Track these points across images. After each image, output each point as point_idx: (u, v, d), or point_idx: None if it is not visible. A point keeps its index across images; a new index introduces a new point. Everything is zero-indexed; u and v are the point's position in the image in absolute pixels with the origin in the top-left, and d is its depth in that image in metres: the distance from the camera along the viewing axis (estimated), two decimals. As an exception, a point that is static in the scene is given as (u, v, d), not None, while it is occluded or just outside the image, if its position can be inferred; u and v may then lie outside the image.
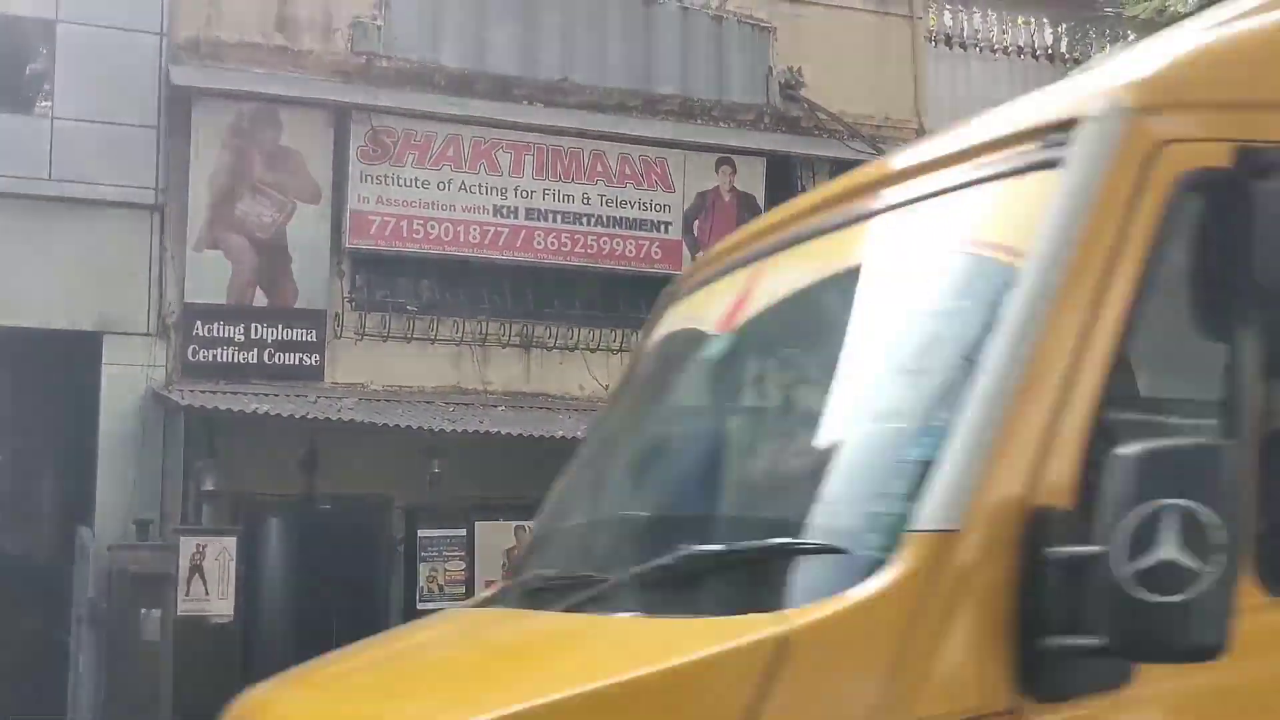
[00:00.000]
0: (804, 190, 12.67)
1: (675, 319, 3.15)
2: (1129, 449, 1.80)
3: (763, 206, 12.34)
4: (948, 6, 15.27)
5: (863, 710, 1.89)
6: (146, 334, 10.60)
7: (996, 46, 15.40)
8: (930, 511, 1.91)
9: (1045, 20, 15.77)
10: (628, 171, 11.99)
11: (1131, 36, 15.83)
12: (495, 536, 10.44)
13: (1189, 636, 1.77)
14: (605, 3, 12.30)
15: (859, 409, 2.30)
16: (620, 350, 11.86)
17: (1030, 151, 2.16)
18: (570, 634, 2.30)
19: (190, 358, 10.54)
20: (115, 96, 10.68)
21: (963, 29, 15.27)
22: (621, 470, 3.10)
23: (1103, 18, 15.65)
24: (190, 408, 9.92)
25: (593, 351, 11.80)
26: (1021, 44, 15.57)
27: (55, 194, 10.40)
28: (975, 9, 15.42)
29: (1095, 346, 1.97)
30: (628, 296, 12.01)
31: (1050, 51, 15.69)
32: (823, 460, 2.26)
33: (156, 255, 10.70)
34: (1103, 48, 15.82)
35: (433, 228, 11.27)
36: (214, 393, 10.29)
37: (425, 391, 11.19)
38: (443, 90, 11.63)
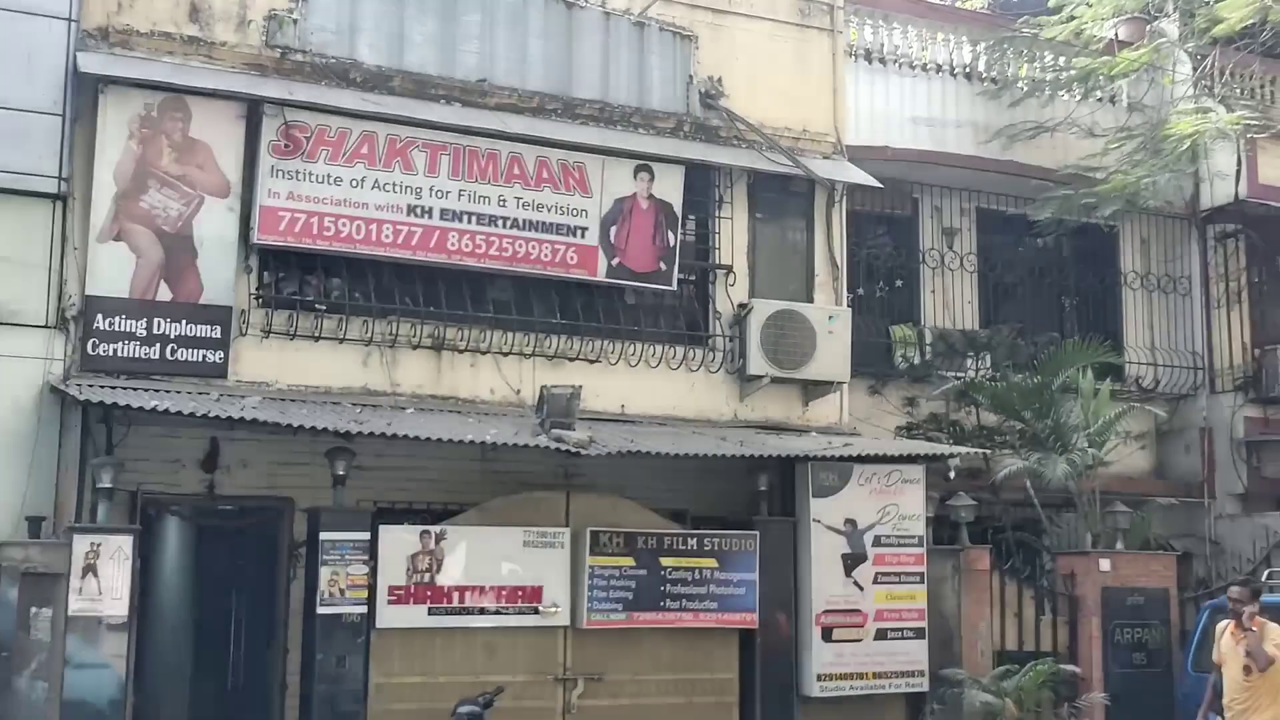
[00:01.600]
0: (721, 200, 12.72)
1: None
2: None
3: (679, 214, 12.36)
4: (868, 22, 15.43)
5: None
6: (45, 326, 10.32)
7: (915, 63, 15.60)
8: None
9: (964, 38, 15.99)
10: (545, 175, 11.92)
11: (1048, 56, 16.11)
12: (400, 541, 10.32)
13: None
14: (526, 4, 12.22)
15: None
16: (533, 355, 11.80)
17: None
18: None
19: (90, 351, 10.29)
20: (20, 82, 10.38)
21: (883, 44, 15.46)
22: None
23: (1020, 37, 15.90)
24: (89, 403, 9.68)
25: (505, 355, 11.71)
26: (940, 61, 15.78)
27: (-46, 180, 10.10)
28: (895, 25, 15.60)
29: None
30: (542, 300, 11.95)
31: (969, 69, 15.92)
32: None
33: (58, 246, 10.42)
34: (1020, 67, 16.07)
35: (344, 225, 11.12)
36: (114, 388, 10.06)
37: (332, 392, 11.03)
38: (359, 87, 11.50)
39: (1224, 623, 10.10)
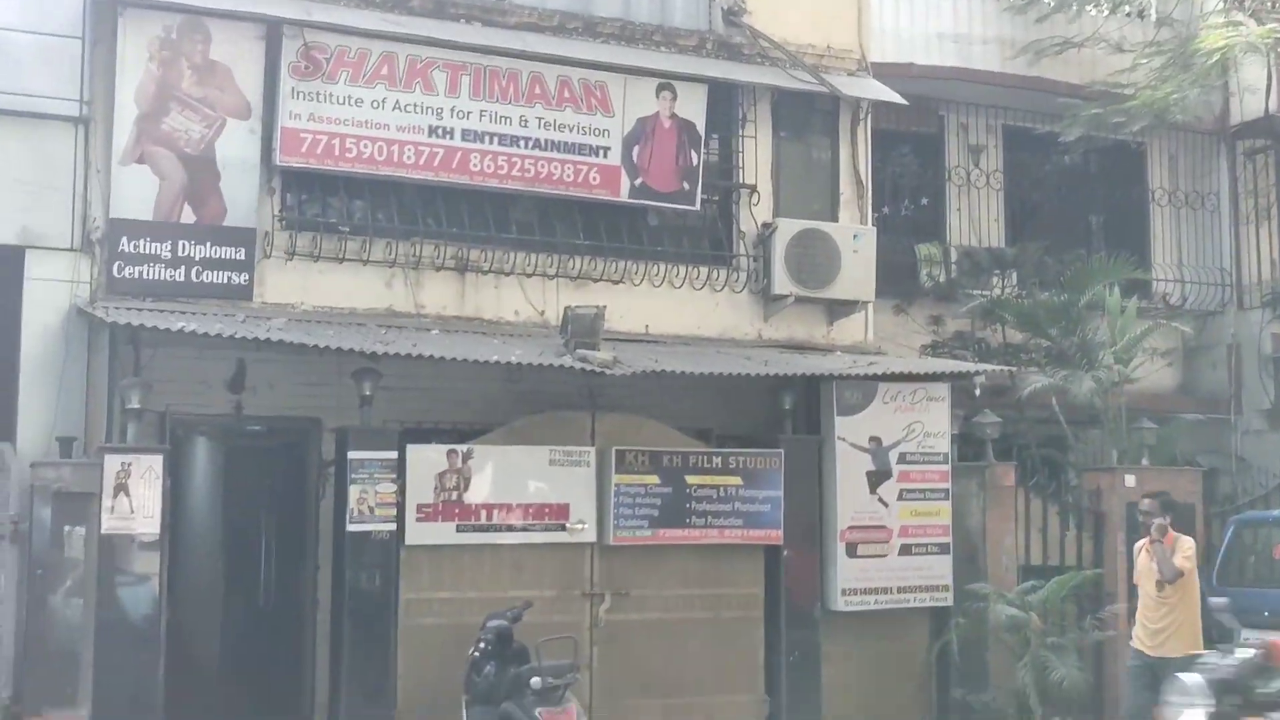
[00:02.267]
0: (744, 118, 12.63)
1: None
2: None
3: (702, 134, 12.28)
4: (893, -64, 15.21)
5: None
6: (71, 249, 10.37)
7: (941, -23, 15.37)
8: None
9: (990, -48, 15.74)
10: (566, 95, 11.84)
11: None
12: (427, 460, 10.39)
13: None
14: (547, -79, 12.09)
15: None
16: (557, 276, 11.80)
17: None
18: None
19: (116, 274, 10.34)
20: (39, 5, 10.39)
21: (908, -41, 15.23)
22: None
23: (1049, -49, 15.65)
24: (115, 325, 9.74)
25: (528, 276, 11.71)
26: (965, -25, 15.54)
27: (-25, 103, 10.11)
28: (921, -61, 15.36)
29: None
30: (565, 221, 11.93)
31: (994, -17, 15.69)
32: None
33: (81, 169, 10.45)
34: (1050, -19, 15.82)
35: (366, 147, 11.09)
36: (140, 310, 10.12)
37: (357, 313, 11.07)
38: (378, 7, 11.43)
39: (1141, 541, 9.98)
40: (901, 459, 11.72)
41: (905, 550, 11.62)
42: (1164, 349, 15.49)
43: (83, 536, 9.34)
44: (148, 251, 10.42)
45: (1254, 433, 15.37)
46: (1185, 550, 9.52)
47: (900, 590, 11.56)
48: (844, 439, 11.60)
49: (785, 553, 11.29)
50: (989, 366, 12.70)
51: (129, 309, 10.08)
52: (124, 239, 10.38)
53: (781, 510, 11.27)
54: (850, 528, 11.50)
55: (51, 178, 10.34)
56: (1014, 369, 13.41)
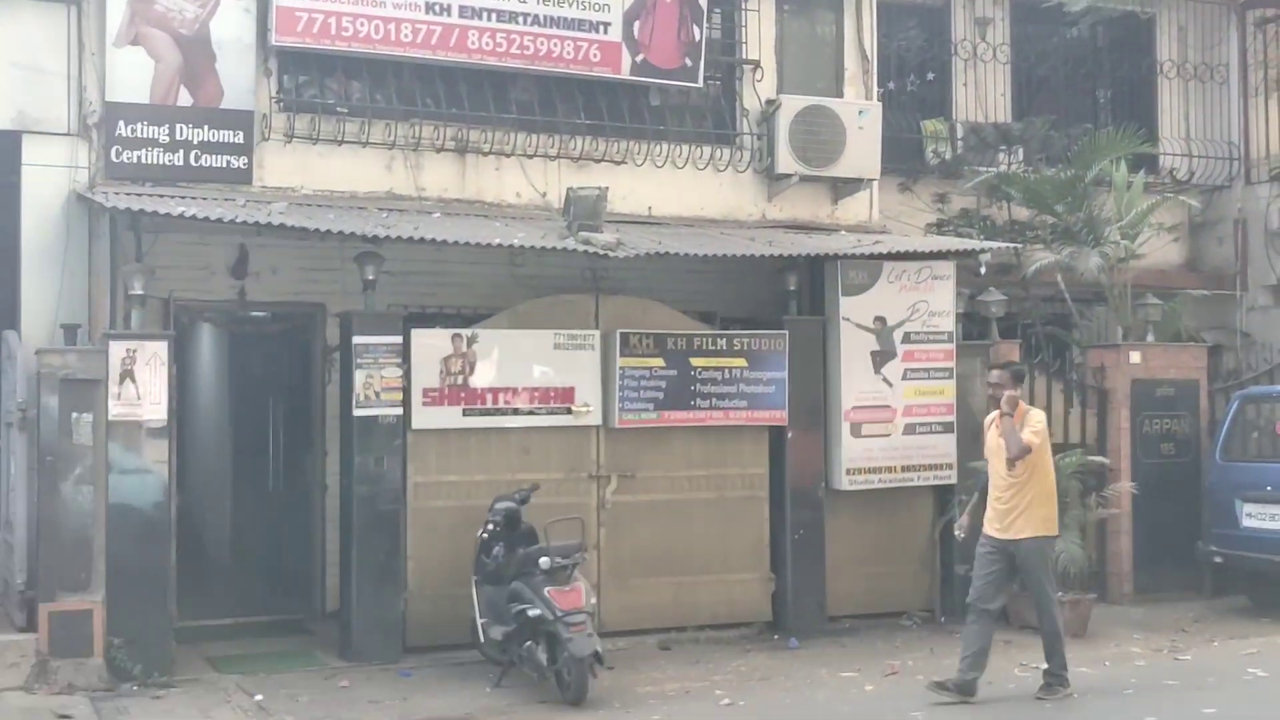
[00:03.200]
0: (748, -6, 12.36)
1: None
2: None
3: (704, 7, 12.04)
4: None
5: None
6: (68, 134, 10.22)
7: None
8: None
9: None
10: (566, -32, 11.58)
11: None
12: (431, 345, 10.38)
13: None
14: None
15: None
16: (559, 157, 11.66)
17: None
18: None
19: (114, 159, 10.21)
20: (27, -117, 10.12)
21: None
22: None
23: None
24: (115, 210, 9.65)
25: (530, 157, 11.58)
26: None
27: (-37, -15, 9.90)
28: None
29: None
30: (566, 100, 11.75)
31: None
32: None
33: (75, 51, 10.26)
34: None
35: (362, 25, 10.87)
36: (139, 195, 10.01)
37: (357, 196, 10.96)
38: (372, -121, 11.11)
39: (991, 414, 9.36)
40: (906, 338, 11.70)
41: (909, 429, 11.66)
42: (1170, 224, 15.38)
43: (90, 423, 9.34)
44: (145, 135, 10.28)
45: (1259, 309, 15.33)
46: (1034, 424, 8.83)
47: (904, 469, 11.62)
48: (848, 319, 11.57)
49: (790, 433, 11.34)
50: (994, 244, 12.62)
51: (128, 194, 9.98)
52: (120, 123, 10.24)
53: (786, 391, 11.29)
54: (855, 408, 11.52)
55: (45, 60, 10.17)
56: (1019, 246, 13.33)
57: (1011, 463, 8.76)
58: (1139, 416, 12.74)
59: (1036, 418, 8.94)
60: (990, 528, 8.99)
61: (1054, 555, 9.50)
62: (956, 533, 9.64)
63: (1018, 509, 8.81)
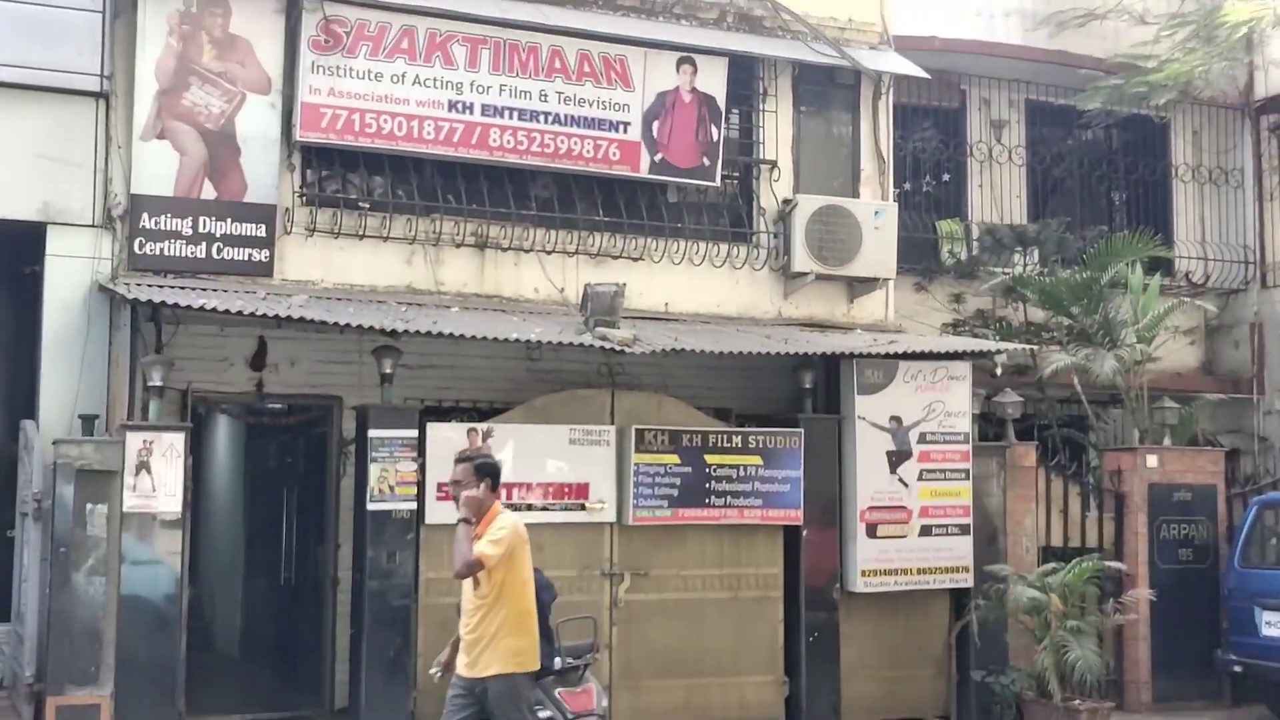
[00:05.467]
0: (765, 93, 12.54)
1: None
2: None
3: (723, 108, 12.18)
4: (916, -93, 15.02)
5: None
6: (92, 225, 10.33)
7: (963, -48, 15.22)
8: None
9: (1012, -74, 15.57)
10: (586, 69, 11.75)
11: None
12: (447, 438, 10.36)
13: None
14: (567, -107, 11.97)
15: None
16: (577, 253, 11.74)
17: None
18: None
19: (137, 250, 10.31)
20: (59, -21, 10.32)
21: (930, -68, 15.06)
22: None
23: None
24: (137, 301, 9.71)
25: (548, 253, 11.66)
26: (986, -50, 15.39)
27: (-2, 79, 10.06)
28: (944, -90, 15.20)
29: None
30: (585, 197, 11.86)
31: (1014, -38, 15.52)
32: None
33: (102, 144, 10.41)
34: (1068, -40, 15.63)
35: (386, 122, 11.03)
36: (161, 287, 10.08)
37: (377, 290, 11.03)
38: (398, -20, 11.32)
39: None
40: (922, 439, 11.67)
41: (925, 531, 11.58)
42: (1186, 327, 15.41)
43: (105, 514, 9.34)
44: (169, 228, 10.40)
45: (1276, 413, 15.27)
46: (495, 533, 6.88)
47: (920, 571, 11.53)
48: (864, 418, 11.55)
49: (805, 533, 11.27)
50: (1010, 345, 12.63)
51: (150, 285, 10.05)
52: (145, 215, 10.35)
53: (801, 490, 11.24)
54: (870, 508, 11.46)
55: (73, 153, 10.30)
56: (1035, 347, 13.32)
57: (478, 581, 6.92)
58: (1156, 521, 12.64)
59: (501, 524, 6.96)
60: (460, 663, 7.13)
61: (531, 697, 7.35)
62: (431, 671, 7.67)
63: (484, 640, 6.93)
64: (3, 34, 10.10)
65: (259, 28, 10.73)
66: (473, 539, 6.85)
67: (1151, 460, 12.72)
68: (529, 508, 10.52)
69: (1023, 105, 15.48)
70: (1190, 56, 14.61)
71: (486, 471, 7.09)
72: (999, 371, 12.35)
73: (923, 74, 13.12)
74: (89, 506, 9.33)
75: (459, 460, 7.24)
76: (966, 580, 11.64)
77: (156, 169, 10.40)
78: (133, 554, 9.42)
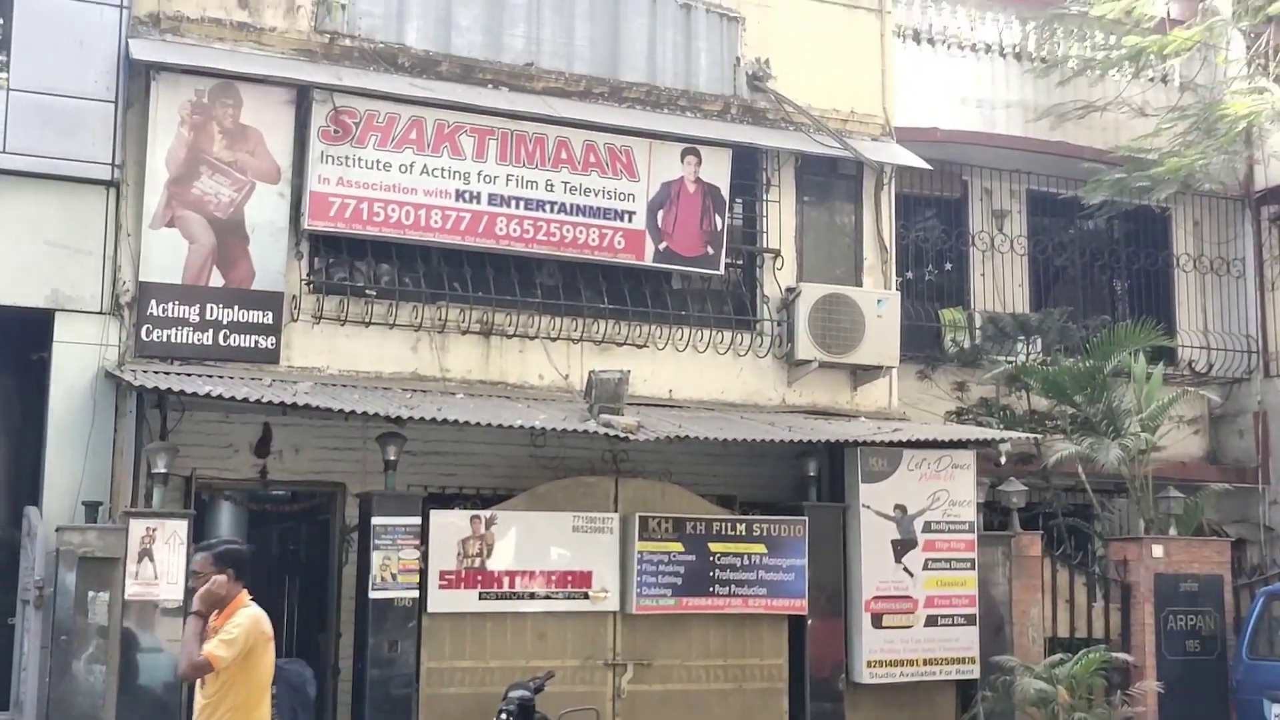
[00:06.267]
0: (768, 183, 12.67)
1: None
2: None
3: (727, 198, 12.30)
4: (916, 1, 15.31)
5: None
6: (100, 312, 10.39)
7: (964, 43, 15.47)
8: None
9: (1013, 17, 15.85)
10: (592, 159, 11.89)
11: (1098, 35, 15.92)
12: (450, 526, 10.35)
13: None
14: (573, -12, 12.19)
15: None
16: (581, 340, 11.80)
17: None
18: None
19: (144, 337, 10.37)
20: (73, 69, 10.44)
21: (931, 24, 15.34)
22: None
23: (1070, 15, 15.72)
24: (143, 388, 9.75)
25: (553, 340, 11.72)
26: (989, 41, 15.65)
27: (9, 167, 10.15)
28: (944, 5, 15.48)
29: None
30: (590, 285, 11.94)
31: (1018, 49, 15.78)
32: None
33: (111, 232, 10.49)
34: (1070, 46, 15.89)
35: (393, 211, 11.14)
36: (168, 373, 10.13)
37: (382, 377, 11.07)
38: (407, 72, 11.51)
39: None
40: (926, 527, 11.64)
41: (931, 621, 11.51)
42: (1190, 416, 15.42)
43: (106, 602, 9.30)
44: (176, 315, 10.45)
45: (1282, 502, 15.26)
46: (230, 631, 6.14)
47: (926, 662, 11.45)
48: (869, 506, 11.53)
49: (810, 622, 11.20)
50: (1014, 434, 12.63)
51: (156, 372, 10.09)
52: (153, 302, 10.42)
53: (806, 579, 11.19)
54: (875, 597, 11.40)
55: (83, 240, 10.39)
56: (1039, 436, 13.33)
57: (203, 681, 6.23)
58: (1163, 612, 12.54)
59: (238, 620, 6.21)
60: None
61: None
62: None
63: None
64: (17, 123, 10.22)
65: (269, 118, 10.87)
66: (203, 636, 6.15)
67: (1158, 550, 12.66)
68: (531, 596, 10.49)
69: (1024, 195, 15.63)
70: (1191, 150, 14.78)
71: (228, 560, 6.37)
72: (1004, 460, 12.35)
73: (924, 165, 13.27)
74: (91, 594, 9.29)
75: (198, 549, 6.64)
76: (973, 671, 11.54)
77: (165, 256, 10.49)
78: (134, 642, 9.35)
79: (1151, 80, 16.00)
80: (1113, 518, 14.18)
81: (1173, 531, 12.96)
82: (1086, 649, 11.43)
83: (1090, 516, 14.19)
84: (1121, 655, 11.82)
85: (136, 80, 10.59)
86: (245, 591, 6.41)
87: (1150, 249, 16.30)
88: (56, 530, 9.58)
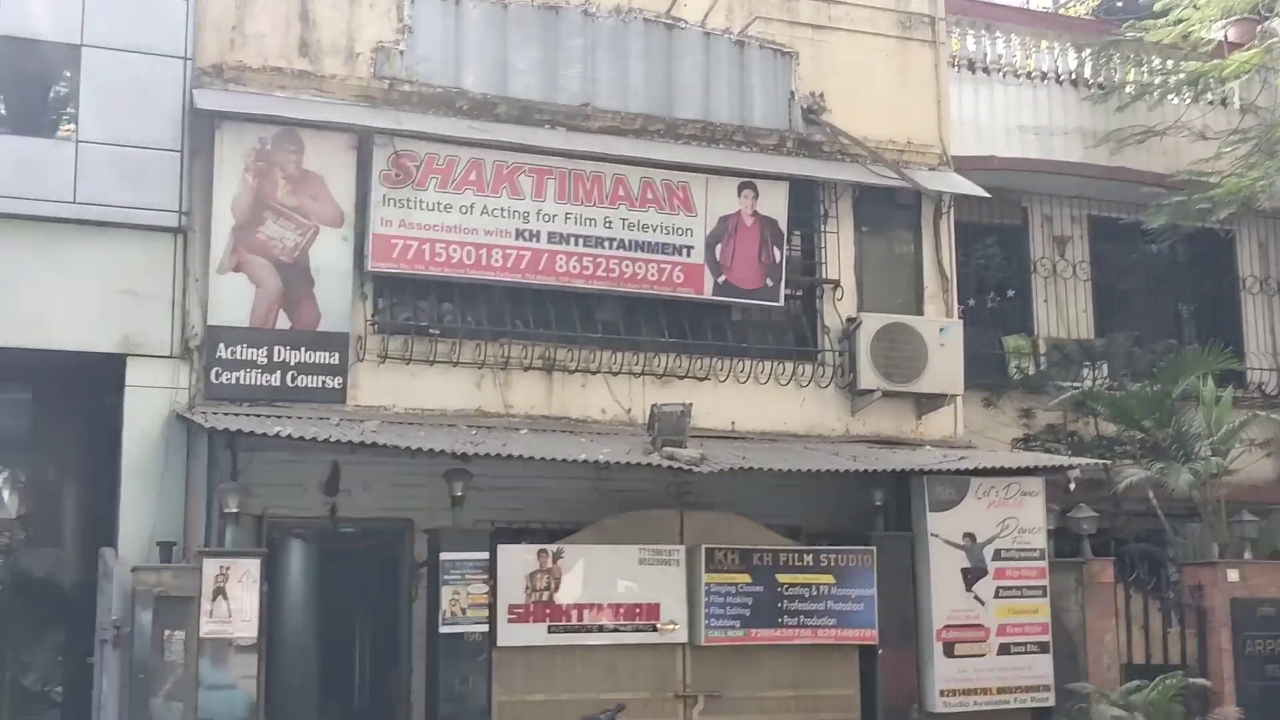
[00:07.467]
0: (826, 214, 12.70)
1: None
2: None
3: (785, 230, 12.34)
4: (970, 32, 15.33)
5: None
6: (170, 356, 10.59)
7: (1020, 71, 15.47)
8: None
9: (1069, 45, 15.83)
10: (650, 195, 11.98)
11: (1155, 60, 15.86)
12: (518, 560, 10.40)
13: None
14: (627, 27, 12.33)
15: None
16: (643, 374, 11.85)
17: None
18: None
19: (213, 380, 10.54)
20: (139, 120, 10.69)
21: (986, 54, 15.35)
22: None
23: (1126, 41, 15.69)
24: (214, 430, 9.91)
25: (615, 375, 11.78)
26: (1045, 69, 15.64)
27: (79, 216, 10.40)
28: (999, 34, 15.48)
29: None
30: (650, 320, 12.00)
31: (1074, 76, 15.75)
32: None
33: (179, 278, 10.71)
34: (1126, 72, 15.84)
35: (455, 251, 11.28)
36: (237, 415, 10.29)
37: (447, 414, 11.17)
38: (465, 114, 11.67)
39: None
40: (996, 555, 11.53)
41: (1004, 649, 11.38)
42: (1262, 439, 15.19)
43: (182, 640, 9.41)
44: (244, 357, 10.62)
45: (1358, 524, 14.93)
46: None
47: (1000, 690, 11.31)
48: (937, 535, 11.44)
49: (880, 652, 11.11)
50: (1083, 460, 12.50)
51: (226, 414, 10.25)
52: (221, 345, 10.59)
53: (875, 609, 11.11)
54: (946, 626, 11.30)
55: (152, 287, 10.59)
56: (1109, 462, 13.18)
57: None
58: (1240, 637, 12.31)
59: None
60: None
61: None
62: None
63: None
64: (86, 174, 10.47)
65: (332, 163, 11.06)
66: None
67: (1233, 575, 12.45)
68: (600, 629, 10.51)
69: (1085, 221, 15.55)
70: (1252, 171, 14.66)
71: None
72: (1073, 486, 12.20)
73: (983, 193, 13.24)
74: (167, 633, 9.41)
75: None
76: (1048, 699, 11.39)
77: (232, 301, 10.67)
78: (209, 679, 9.45)
79: (1211, 104, 15.90)
80: (1185, 543, 13.95)
81: (1248, 555, 12.74)
82: (1163, 675, 11.24)
83: (1162, 542, 13.98)
84: (1200, 680, 11.62)
85: (201, 129, 10.81)
86: None
87: (1216, 272, 16.14)
88: (132, 570, 9.72)
